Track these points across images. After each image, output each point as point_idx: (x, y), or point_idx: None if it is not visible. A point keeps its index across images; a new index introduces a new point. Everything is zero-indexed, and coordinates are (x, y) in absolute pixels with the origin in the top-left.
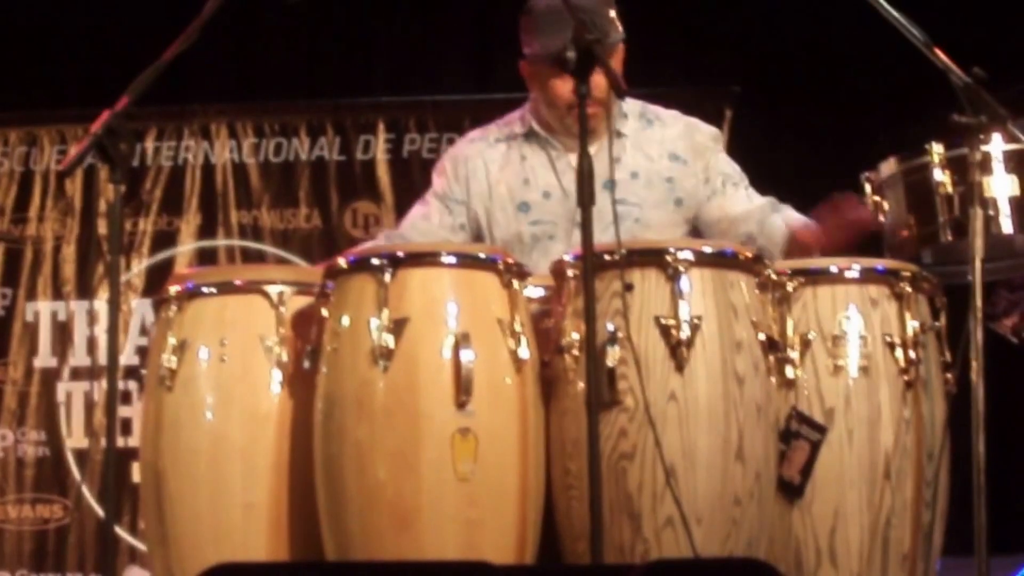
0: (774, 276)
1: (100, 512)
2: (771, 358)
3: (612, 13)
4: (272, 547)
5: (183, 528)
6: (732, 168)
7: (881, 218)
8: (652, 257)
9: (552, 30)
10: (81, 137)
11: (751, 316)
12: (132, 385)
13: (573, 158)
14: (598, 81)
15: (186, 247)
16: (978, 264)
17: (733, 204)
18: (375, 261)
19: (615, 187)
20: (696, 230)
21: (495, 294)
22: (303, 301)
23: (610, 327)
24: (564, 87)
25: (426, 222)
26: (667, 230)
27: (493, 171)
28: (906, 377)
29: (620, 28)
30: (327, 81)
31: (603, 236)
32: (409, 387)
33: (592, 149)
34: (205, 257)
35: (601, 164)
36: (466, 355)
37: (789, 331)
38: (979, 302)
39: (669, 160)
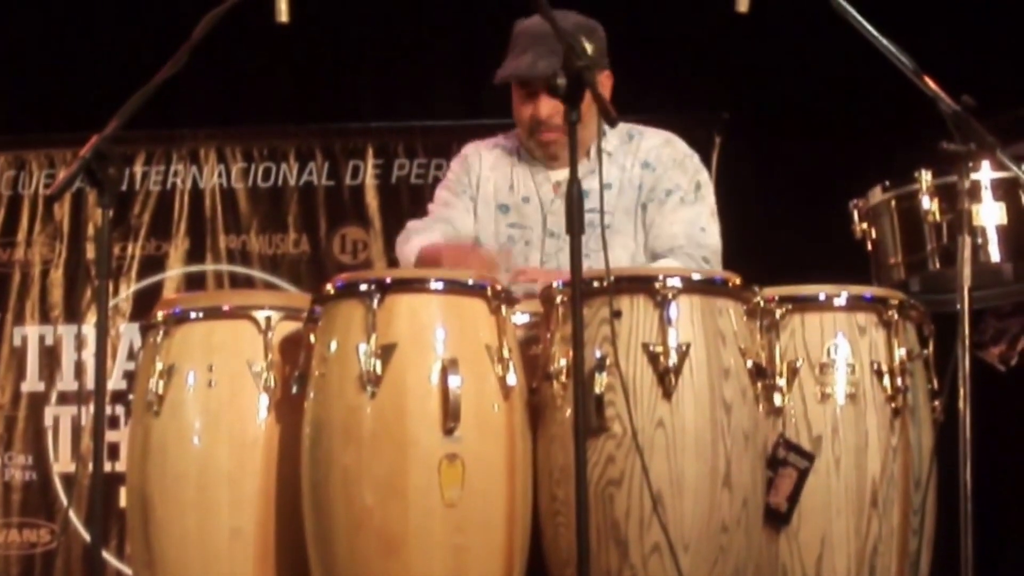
0: (762, 303)
1: (87, 537)
2: (759, 385)
3: (585, 41)
4: (259, 573)
5: (170, 553)
6: (691, 182)
7: (869, 245)
8: (640, 284)
9: (516, 52)
10: (70, 161)
11: (739, 343)
12: (120, 410)
13: (552, 173)
14: (556, 107)
15: (174, 272)
16: (966, 292)
17: (663, 217)
18: (363, 287)
19: (587, 197)
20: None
21: (483, 320)
22: (291, 326)
23: (598, 354)
24: (524, 111)
25: (452, 210)
26: (638, 235)
27: (485, 169)
28: (893, 405)
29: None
30: (316, 106)
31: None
32: (396, 413)
33: (566, 172)
34: (193, 282)
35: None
36: (454, 381)
37: (777, 358)
38: (967, 330)
39: (641, 168)
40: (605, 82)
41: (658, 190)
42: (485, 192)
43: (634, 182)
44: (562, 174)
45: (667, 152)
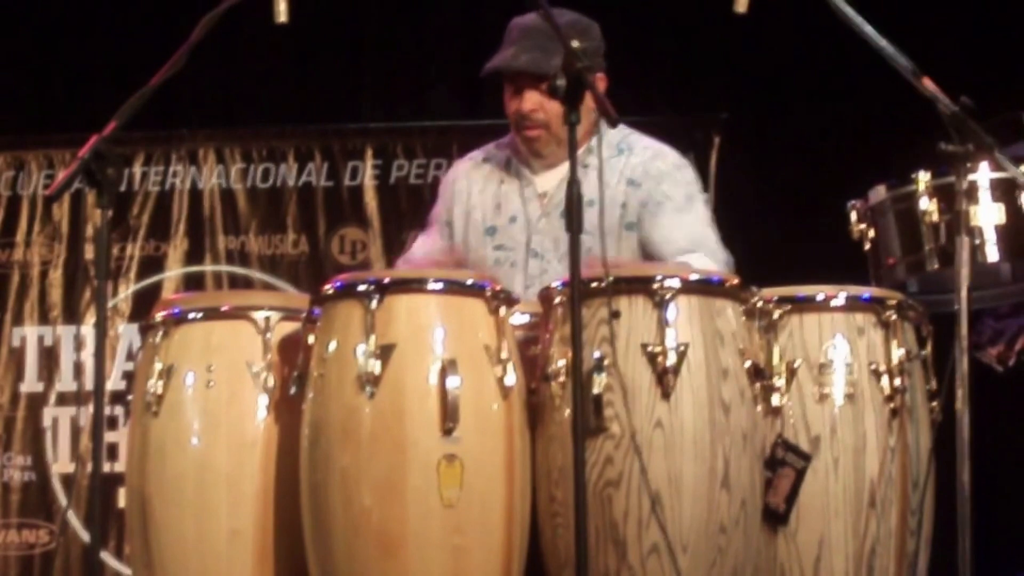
0: (760, 304)
1: (86, 537)
2: (757, 386)
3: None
4: (257, 573)
5: (169, 554)
6: (682, 193)
7: (868, 246)
8: (639, 284)
9: (503, 47)
10: (69, 162)
11: (737, 344)
12: (119, 410)
13: (539, 184)
14: (539, 102)
15: (173, 272)
16: (964, 293)
17: (659, 228)
18: (361, 287)
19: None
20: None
21: (482, 320)
22: (290, 327)
23: (596, 354)
24: (511, 105)
25: (429, 245)
26: (621, 254)
27: (474, 194)
28: (892, 405)
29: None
30: (315, 107)
31: (559, 265)
32: (395, 413)
33: (557, 177)
34: (192, 283)
35: (561, 193)
36: (452, 382)
37: (775, 359)
38: (965, 331)
39: (625, 185)
40: (599, 84)
41: (649, 204)
42: (474, 220)
43: (617, 199)
44: (549, 183)
45: (655, 166)
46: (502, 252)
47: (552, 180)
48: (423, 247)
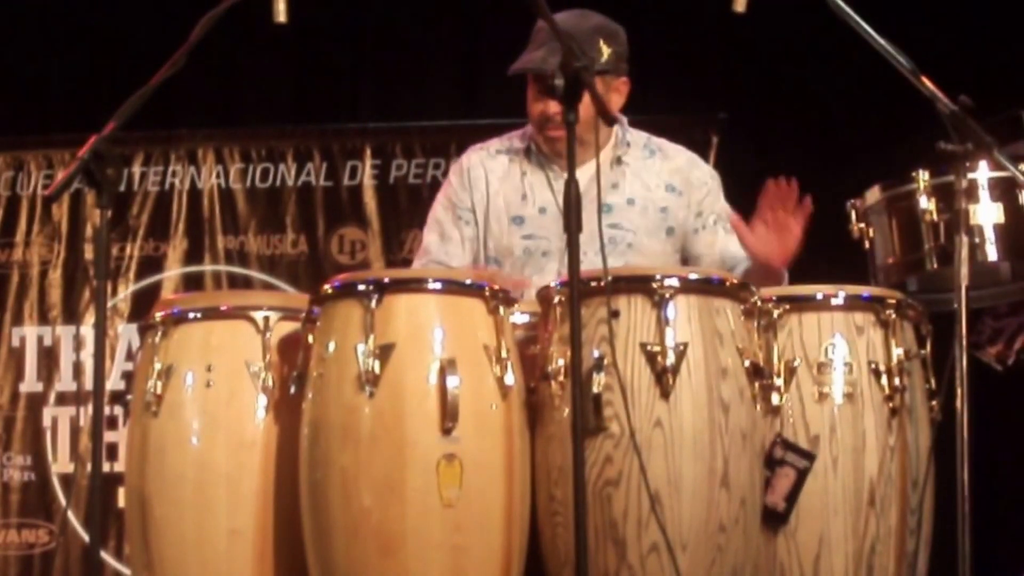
0: (760, 303)
1: (86, 537)
2: (756, 385)
3: (602, 44)
4: (257, 573)
5: (168, 554)
6: (728, 211)
7: (867, 245)
8: (638, 284)
9: (532, 47)
10: (68, 162)
11: (737, 343)
12: (118, 410)
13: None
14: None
15: (172, 272)
16: (963, 292)
17: (725, 244)
18: (361, 287)
19: (611, 212)
20: (686, 260)
21: (481, 320)
22: (289, 327)
23: (596, 353)
24: (535, 106)
25: (449, 244)
26: (659, 258)
27: (493, 182)
28: (891, 404)
29: (605, 58)
30: (314, 107)
31: (597, 258)
32: (395, 413)
33: (587, 173)
34: (191, 283)
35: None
36: (452, 381)
37: (774, 358)
38: (964, 330)
39: (665, 190)
40: (621, 88)
41: (700, 219)
42: (496, 207)
43: (658, 203)
44: (582, 178)
45: (695, 174)
46: (532, 241)
47: (583, 176)
48: (448, 249)
